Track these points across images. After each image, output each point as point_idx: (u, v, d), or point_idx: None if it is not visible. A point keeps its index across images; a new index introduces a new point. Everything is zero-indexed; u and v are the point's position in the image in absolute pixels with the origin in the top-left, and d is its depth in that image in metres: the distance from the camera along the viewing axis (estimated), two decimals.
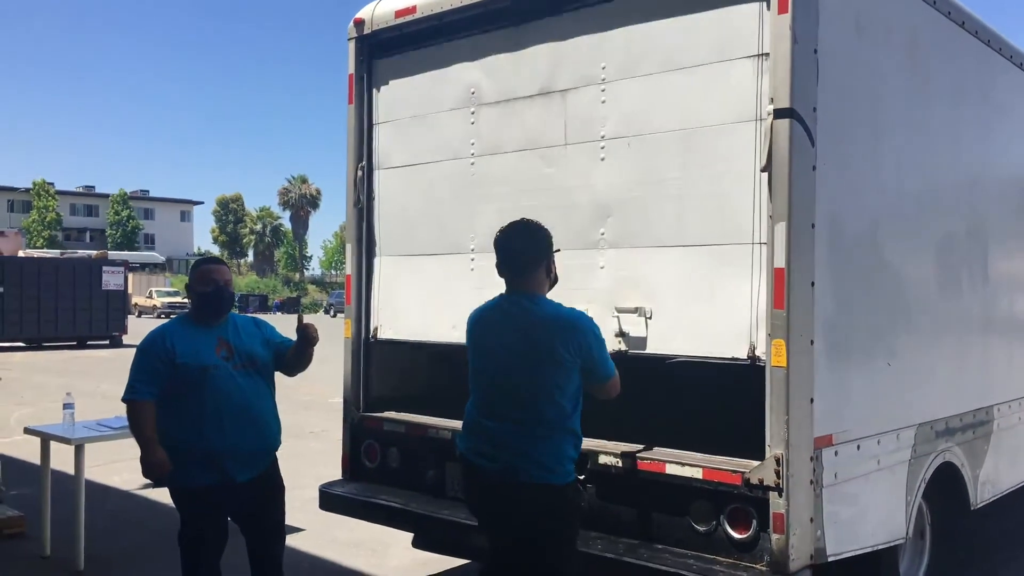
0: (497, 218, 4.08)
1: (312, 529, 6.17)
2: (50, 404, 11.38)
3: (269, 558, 4.34)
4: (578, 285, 4.03)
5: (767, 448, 3.46)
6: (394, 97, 4.98)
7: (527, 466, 3.31)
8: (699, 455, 3.74)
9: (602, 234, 4.08)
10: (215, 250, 78.83)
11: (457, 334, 4.28)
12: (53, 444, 5.76)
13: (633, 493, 3.87)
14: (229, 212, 78.98)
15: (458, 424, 4.32)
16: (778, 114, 3.45)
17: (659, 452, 3.84)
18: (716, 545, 3.62)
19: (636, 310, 3.93)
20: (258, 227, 78.62)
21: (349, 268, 5.12)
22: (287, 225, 78.37)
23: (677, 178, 3.84)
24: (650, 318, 3.89)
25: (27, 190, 68.53)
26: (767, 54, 3.52)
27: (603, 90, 4.09)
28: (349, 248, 5.12)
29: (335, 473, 5.07)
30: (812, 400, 3.51)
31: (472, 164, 4.60)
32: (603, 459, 3.90)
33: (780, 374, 3.42)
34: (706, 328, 3.74)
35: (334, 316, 46.89)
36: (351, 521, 5.03)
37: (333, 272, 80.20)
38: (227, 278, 4.26)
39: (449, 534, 4.37)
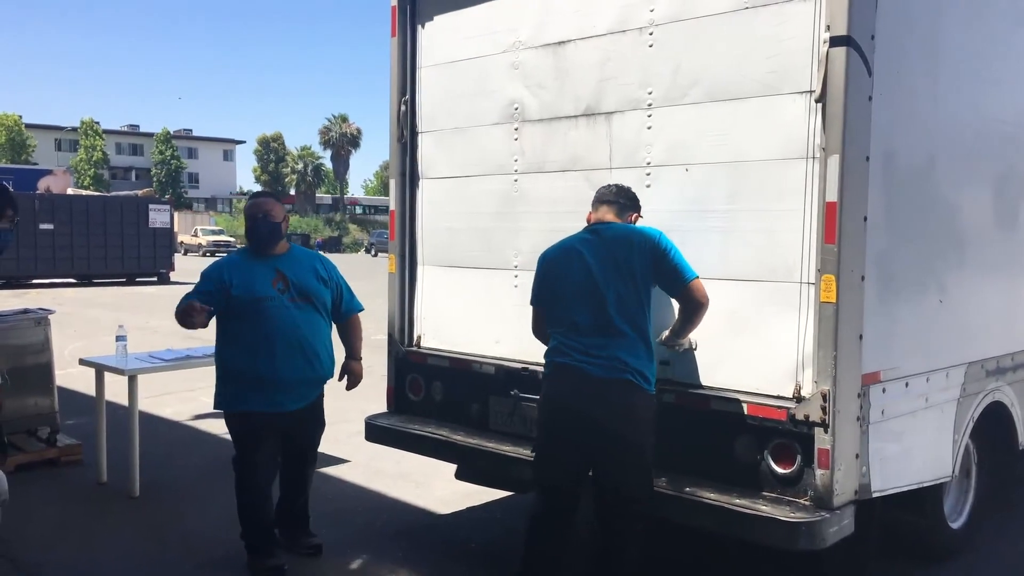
0: (540, 237, 4.14)
1: (358, 461, 6.32)
2: (103, 338, 11.70)
3: (299, 479, 4.60)
4: None
5: (813, 384, 3.44)
6: (437, 29, 4.90)
7: (629, 371, 3.56)
8: (743, 391, 3.72)
9: None
10: (256, 189, 79.40)
11: (500, 349, 4.32)
12: (107, 376, 5.92)
13: (676, 427, 3.87)
14: (270, 151, 79.22)
15: (500, 361, 4.37)
16: (834, 42, 3.32)
17: (703, 387, 3.83)
18: (759, 480, 3.62)
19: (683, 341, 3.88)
20: (299, 166, 78.84)
21: (393, 203, 5.11)
22: (328, 164, 78.53)
23: (724, 211, 3.74)
24: (695, 349, 3.85)
25: (74, 129, 69.41)
26: (814, 91, 3.39)
27: (649, 116, 3.99)
28: (393, 183, 5.10)
29: (380, 407, 5.14)
30: (861, 337, 3.47)
31: (516, 181, 4.55)
32: None
33: (829, 310, 3.36)
34: (751, 363, 3.68)
35: (375, 255, 47.24)
36: (396, 454, 5.13)
37: (372, 212, 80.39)
38: (266, 210, 4.34)
39: (493, 466, 4.43)
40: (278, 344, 4.19)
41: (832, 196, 3.35)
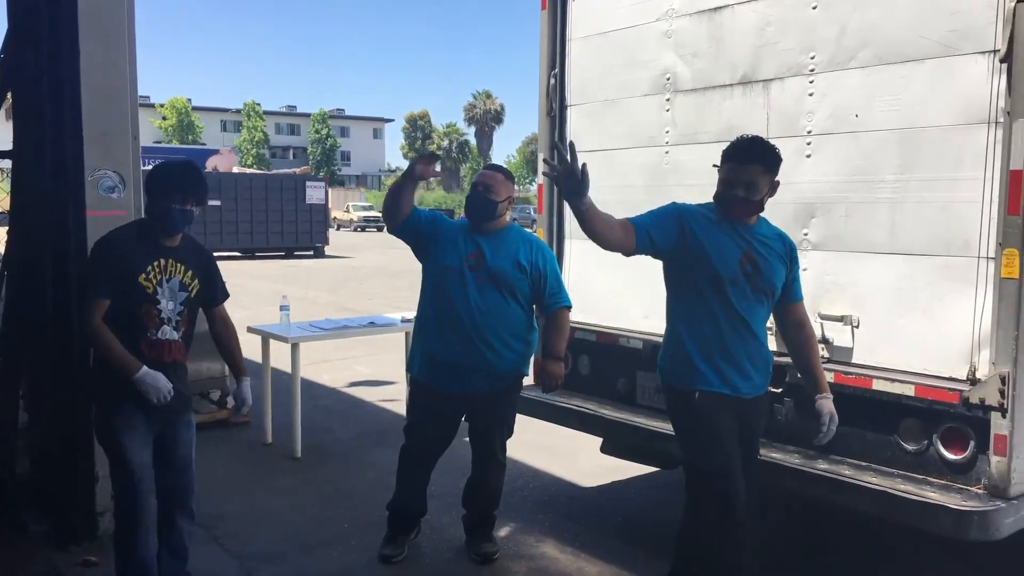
0: None
1: None
2: (264, 307, 12.41)
3: (480, 473, 4.41)
4: None
5: (991, 366, 3.21)
6: (589, 1, 4.85)
7: None
8: (910, 371, 3.52)
9: (805, 235, 3.83)
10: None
11: (649, 323, 4.22)
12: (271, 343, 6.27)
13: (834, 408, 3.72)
14: (417, 129, 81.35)
15: (649, 336, 4.30)
16: None
17: (864, 367, 3.65)
18: (927, 465, 3.43)
19: (842, 318, 3.71)
20: (445, 143, 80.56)
21: (540, 177, 5.12)
22: (472, 141, 79.81)
23: (893, 181, 3.53)
24: (857, 327, 3.67)
25: (238, 111, 73.48)
26: (999, 50, 3.14)
27: (811, 81, 3.80)
28: (541, 157, 5.11)
29: (526, 380, 5.19)
30: None
31: (667, 153, 4.45)
32: None
33: (1011, 287, 3.13)
34: (920, 343, 3.47)
35: None
36: (542, 426, 5.16)
37: (516, 187, 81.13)
38: (488, 184, 4.08)
39: (639, 441, 4.40)
40: (446, 319, 3.99)
41: (1017, 164, 3.10)
